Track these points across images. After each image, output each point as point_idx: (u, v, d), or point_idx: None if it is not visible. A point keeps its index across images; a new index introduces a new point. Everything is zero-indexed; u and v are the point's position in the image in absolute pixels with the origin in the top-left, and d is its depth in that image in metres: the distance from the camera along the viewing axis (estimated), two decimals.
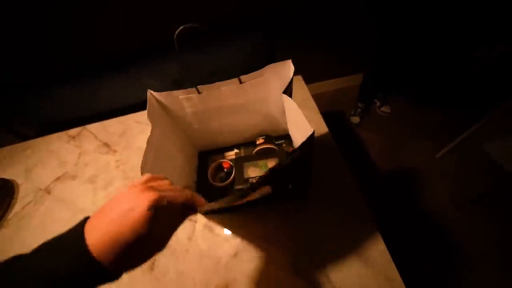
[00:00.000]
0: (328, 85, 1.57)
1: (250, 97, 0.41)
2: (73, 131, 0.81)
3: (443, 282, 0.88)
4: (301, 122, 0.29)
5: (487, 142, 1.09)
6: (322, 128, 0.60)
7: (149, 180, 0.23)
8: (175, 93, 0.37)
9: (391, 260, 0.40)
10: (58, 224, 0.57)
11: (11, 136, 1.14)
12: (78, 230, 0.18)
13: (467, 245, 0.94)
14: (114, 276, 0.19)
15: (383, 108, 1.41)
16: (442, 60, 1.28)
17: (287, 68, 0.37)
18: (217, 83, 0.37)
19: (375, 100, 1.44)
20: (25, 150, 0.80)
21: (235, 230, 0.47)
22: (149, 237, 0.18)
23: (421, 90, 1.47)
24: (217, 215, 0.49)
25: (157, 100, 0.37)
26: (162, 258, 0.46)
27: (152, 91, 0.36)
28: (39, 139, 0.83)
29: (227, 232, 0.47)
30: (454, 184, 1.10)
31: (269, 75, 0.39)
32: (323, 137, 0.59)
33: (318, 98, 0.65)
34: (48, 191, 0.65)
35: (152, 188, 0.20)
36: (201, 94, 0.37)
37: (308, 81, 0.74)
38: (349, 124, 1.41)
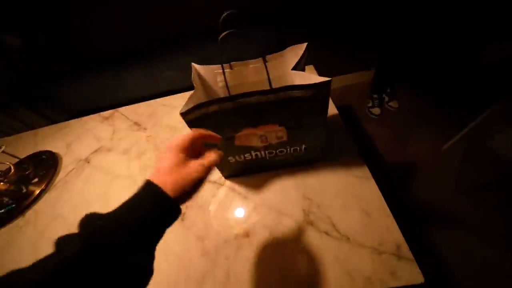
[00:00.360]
0: (335, 82, 1.64)
1: (271, 75, 0.49)
2: (106, 113, 0.90)
3: (446, 258, 0.93)
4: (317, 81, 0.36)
5: (490, 138, 1.12)
6: (332, 109, 0.67)
7: (185, 144, 0.28)
8: (212, 67, 0.45)
9: (390, 213, 0.46)
10: (98, 186, 0.66)
11: (43, 120, 1.27)
12: (146, 183, 0.24)
13: (470, 230, 0.98)
14: (178, 210, 0.24)
15: (391, 103, 1.47)
16: (448, 57, 1.33)
17: (300, 48, 0.45)
18: (246, 61, 0.45)
19: (383, 95, 1.49)
20: (63, 129, 0.91)
21: (254, 189, 0.54)
22: (184, 163, 0.25)
23: (428, 85, 1.51)
24: (239, 177, 0.56)
25: (197, 72, 0.45)
26: (190, 212, 0.54)
27: (195, 64, 0.44)
28: (75, 120, 0.93)
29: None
30: (459, 174, 1.14)
31: (288, 55, 0.47)
32: (332, 117, 0.66)
33: None
34: (87, 161, 0.74)
35: (199, 156, 0.28)
36: (233, 69, 0.45)
37: None
38: (357, 118, 1.47)
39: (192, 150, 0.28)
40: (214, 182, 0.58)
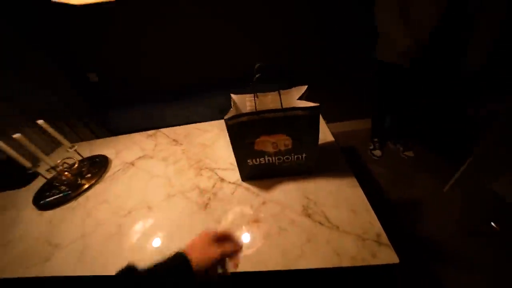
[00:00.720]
0: (341, 127, 1.87)
1: (282, 103, 0.70)
2: (150, 132, 1.14)
3: None
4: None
5: (489, 179, 1.19)
6: (329, 137, 0.85)
7: (216, 235, 0.39)
8: (244, 96, 0.67)
9: (372, 212, 0.57)
10: (140, 182, 0.83)
11: (91, 135, 1.54)
12: (180, 254, 0.34)
13: (474, 269, 0.97)
14: (194, 278, 0.33)
15: (406, 153, 1.59)
16: (437, 114, 1.54)
17: (303, 88, 0.67)
18: (267, 93, 0.67)
19: (398, 146, 1.64)
20: (113, 141, 1.14)
21: (264, 189, 0.68)
22: (209, 245, 0.37)
23: (427, 135, 1.67)
24: (252, 180, 0.71)
25: (233, 99, 0.68)
26: (213, 202, 0.67)
27: (232, 94, 0.67)
28: (123, 136, 1.17)
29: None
30: (461, 215, 1.18)
31: (294, 91, 0.69)
32: (329, 142, 0.83)
33: None
34: (132, 164, 0.93)
35: (220, 246, 0.38)
36: (258, 98, 0.67)
37: None
38: (360, 159, 1.62)
39: (218, 239, 0.40)
40: (234, 183, 0.73)
